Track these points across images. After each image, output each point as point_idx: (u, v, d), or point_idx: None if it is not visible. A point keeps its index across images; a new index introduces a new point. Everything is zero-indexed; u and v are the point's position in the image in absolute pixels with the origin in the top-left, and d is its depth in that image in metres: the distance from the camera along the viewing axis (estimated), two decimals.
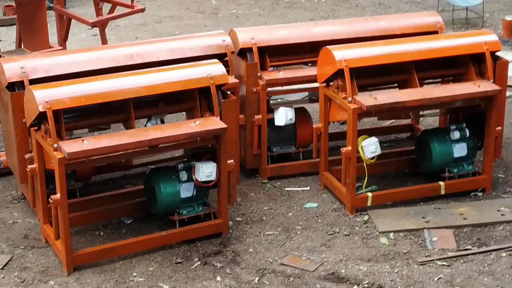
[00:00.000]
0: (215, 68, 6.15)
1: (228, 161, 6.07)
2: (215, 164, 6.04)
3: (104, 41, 8.33)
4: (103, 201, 6.49)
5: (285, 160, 7.26)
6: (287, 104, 7.25)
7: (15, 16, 7.92)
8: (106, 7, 8.74)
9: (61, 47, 7.95)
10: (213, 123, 5.95)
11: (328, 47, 6.49)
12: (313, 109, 7.61)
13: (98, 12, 8.29)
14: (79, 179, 6.62)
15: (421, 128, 7.77)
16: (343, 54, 6.39)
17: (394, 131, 8.04)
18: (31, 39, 7.65)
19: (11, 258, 5.97)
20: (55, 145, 5.58)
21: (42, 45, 7.57)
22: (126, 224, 6.41)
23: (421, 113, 7.35)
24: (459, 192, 6.79)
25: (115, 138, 5.73)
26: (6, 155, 6.75)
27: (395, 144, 7.83)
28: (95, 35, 11.20)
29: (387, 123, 8.10)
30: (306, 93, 7.77)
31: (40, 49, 7.48)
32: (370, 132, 7.01)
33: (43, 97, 5.59)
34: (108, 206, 6.43)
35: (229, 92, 6.28)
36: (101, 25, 8.30)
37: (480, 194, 6.82)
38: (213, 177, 6.05)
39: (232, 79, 6.59)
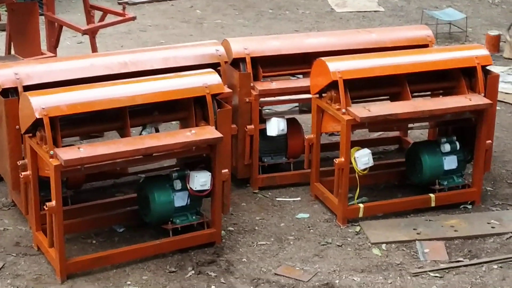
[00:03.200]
0: (211, 78, 6.16)
1: (223, 171, 6.07)
2: (209, 174, 6.04)
3: (94, 49, 8.31)
4: (95, 209, 6.47)
5: (276, 170, 7.28)
6: (279, 114, 7.26)
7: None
8: (97, 15, 8.71)
9: (52, 54, 7.92)
10: (209, 132, 5.96)
11: (322, 58, 6.53)
12: (301, 120, 7.63)
13: (90, 19, 8.27)
14: (71, 187, 6.59)
15: (409, 141, 7.83)
16: (337, 66, 6.43)
17: (382, 143, 8.09)
18: (23, 45, 7.61)
19: (3, 265, 5.93)
20: (51, 152, 5.55)
21: (34, 51, 7.53)
22: (118, 233, 6.39)
23: (409, 125, 7.41)
24: (449, 205, 6.84)
25: (111, 146, 5.72)
26: None
27: (383, 156, 7.87)
28: (80, 42, 11.18)
29: (375, 135, 8.16)
30: (296, 104, 7.81)
31: (32, 55, 7.45)
32: (358, 144, 7.05)
33: (40, 104, 5.57)
34: (100, 214, 6.41)
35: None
36: (92, 33, 8.28)
37: (469, 206, 6.89)
38: (207, 186, 6.05)
39: (225, 89, 6.60)
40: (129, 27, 11.97)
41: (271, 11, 13.08)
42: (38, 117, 5.54)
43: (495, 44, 11.15)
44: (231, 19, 12.66)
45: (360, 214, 6.61)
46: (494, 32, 11.30)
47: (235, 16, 12.85)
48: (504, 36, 11.07)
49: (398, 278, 5.87)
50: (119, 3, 13.00)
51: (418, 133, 8.24)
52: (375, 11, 13.15)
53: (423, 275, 5.90)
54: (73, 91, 5.82)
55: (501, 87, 9.47)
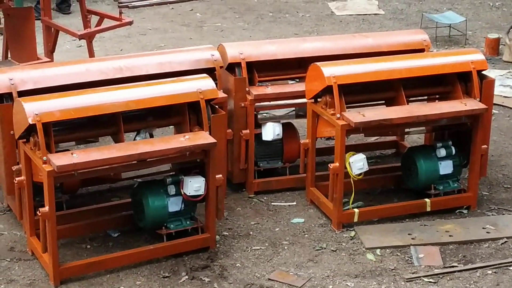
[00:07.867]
0: (205, 83, 6.17)
1: (217, 176, 6.08)
2: (203, 179, 6.05)
3: (91, 53, 8.32)
4: (90, 214, 6.48)
5: (272, 175, 7.28)
6: (274, 119, 7.27)
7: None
8: (94, 19, 8.72)
9: (48, 59, 7.94)
10: (203, 137, 5.96)
11: (317, 63, 6.53)
12: (298, 124, 7.63)
13: (86, 24, 8.28)
14: (66, 192, 6.59)
15: (406, 145, 7.83)
16: (332, 71, 6.43)
17: (379, 148, 8.08)
18: (19, 50, 7.63)
19: None
20: (44, 158, 5.56)
21: (30, 56, 7.55)
22: (113, 237, 6.40)
23: (406, 130, 7.39)
24: (444, 209, 6.83)
25: (105, 151, 5.73)
26: None
27: (380, 161, 7.86)
28: (80, 46, 11.18)
29: (372, 139, 8.15)
30: (292, 108, 7.79)
31: (28, 60, 7.47)
32: (355, 148, 7.07)
33: (33, 109, 5.58)
34: (95, 219, 6.41)
35: (217, 107, 6.30)
36: (89, 38, 8.29)
37: (465, 211, 6.87)
38: (201, 191, 6.05)
39: (220, 94, 6.60)
40: (128, 30, 11.97)
41: (271, 14, 13.08)
42: (31, 122, 5.55)
43: (494, 47, 11.13)
44: (231, 22, 12.66)
45: (355, 219, 6.60)
46: (493, 35, 11.27)
47: (235, 19, 12.85)
48: (504, 39, 11.05)
49: (392, 283, 5.86)
50: (119, 7, 13.00)
51: (415, 137, 8.23)
52: (375, 14, 13.13)
53: (417, 281, 5.89)
54: (66, 96, 5.83)
55: (500, 90, 9.49)
